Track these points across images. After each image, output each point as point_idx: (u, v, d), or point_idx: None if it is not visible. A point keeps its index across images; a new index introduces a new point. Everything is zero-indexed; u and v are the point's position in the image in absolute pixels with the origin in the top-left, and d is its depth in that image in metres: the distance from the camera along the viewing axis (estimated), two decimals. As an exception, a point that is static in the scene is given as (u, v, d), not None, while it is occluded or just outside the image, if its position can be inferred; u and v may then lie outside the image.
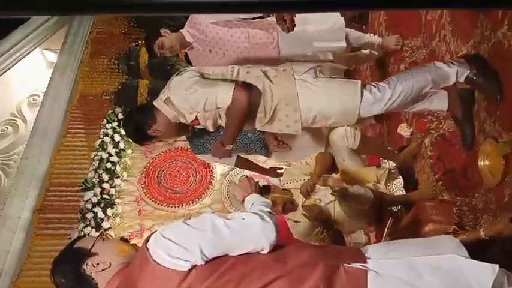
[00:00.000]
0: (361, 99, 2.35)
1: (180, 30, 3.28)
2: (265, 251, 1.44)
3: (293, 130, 2.45)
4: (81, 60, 6.63)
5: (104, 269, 1.51)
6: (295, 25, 2.47)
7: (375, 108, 2.39)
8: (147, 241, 1.45)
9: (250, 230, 1.43)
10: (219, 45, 3.16)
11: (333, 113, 2.42)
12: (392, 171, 2.99)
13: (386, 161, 3.16)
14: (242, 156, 3.57)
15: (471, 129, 2.44)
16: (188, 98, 2.40)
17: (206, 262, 1.39)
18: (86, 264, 1.51)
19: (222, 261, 1.41)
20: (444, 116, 2.85)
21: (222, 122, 2.54)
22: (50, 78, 6.47)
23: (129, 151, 5.55)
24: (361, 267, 1.40)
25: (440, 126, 2.87)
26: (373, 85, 2.40)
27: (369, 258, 1.44)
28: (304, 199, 2.81)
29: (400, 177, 2.97)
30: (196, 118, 2.49)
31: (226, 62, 3.09)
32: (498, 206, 2.23)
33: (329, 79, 2.43)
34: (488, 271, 1.37)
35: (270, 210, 1.54)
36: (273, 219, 1.47)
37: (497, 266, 1.38)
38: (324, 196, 2.79)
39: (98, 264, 1.51)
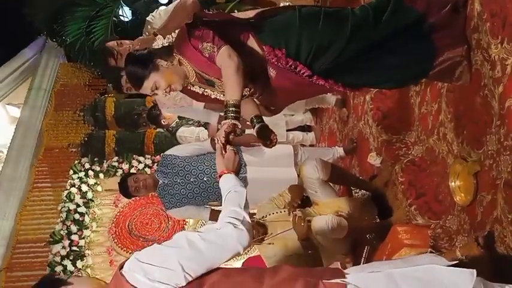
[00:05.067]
0: None
1: None
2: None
3: None
4: (45, 113, 6.56)
5: None
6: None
7: None
8: (121, 267, 1.41)
9: (226, 241, 1.44)
10: None
11: None
12: (366, 200, 3.00)
13: (358, 190, 3.18)
14: (216, 209, 3.57)
15: None
16: None
17: (187, 284, 1.36)
18: None
19: (200, 284, 1.38)
20: (412, 142, 2.92)
21: None
22: (14, 133, 6.36)
23: (98, 201, 5.43)
24: (340, 281, 1.39)
25: (409, 152, 2.92)
26: None
27: (348, 274, 1.43)
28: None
29: (374, 205, 2.98)
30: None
31: None
32: (472, 225, 2.25)
33: None
34: (467, 276, 1.38)
35: (243, 204, 1.57)
36: (245, 225, 1.49)
37: (475, 271, 1.39)
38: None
39: None
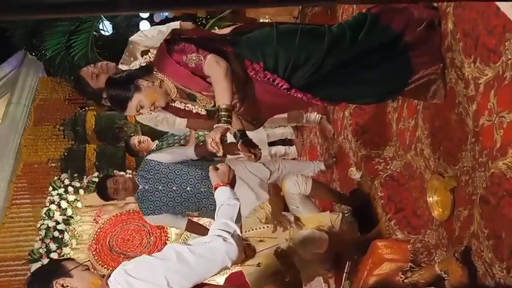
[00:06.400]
0: None
1: None
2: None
3: None
4: (24, 128, 6.46)
5: None
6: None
7: None
8: (108, 277, 1.42)
9: (215, 255, 1.44)
10: None
11: None
12: (347, 214, 3.02)
13: (339, 205, 3.19)
14: (194, 220, 3.53)
15: None
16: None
17: None
18: (57, 282, 1.53)
19: None
20: (391, 156, 2.96)
21: None
22: (-9, 148, 6.26)
23: (78, 217, 5.35)
24: None
25: (388, 167, 2.96)
26: None
27: None
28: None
29: (355, 220, 2.99)
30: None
31: None
32: (450, 240, 2.28)
33: None
34: None
35: (235, 218, 1.57)
36: (235, 239, 1.48)
37: None
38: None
39: (66, 286, 1.54)
